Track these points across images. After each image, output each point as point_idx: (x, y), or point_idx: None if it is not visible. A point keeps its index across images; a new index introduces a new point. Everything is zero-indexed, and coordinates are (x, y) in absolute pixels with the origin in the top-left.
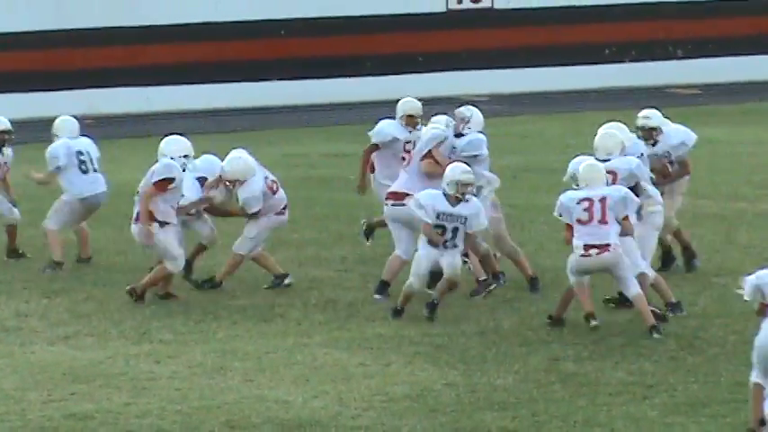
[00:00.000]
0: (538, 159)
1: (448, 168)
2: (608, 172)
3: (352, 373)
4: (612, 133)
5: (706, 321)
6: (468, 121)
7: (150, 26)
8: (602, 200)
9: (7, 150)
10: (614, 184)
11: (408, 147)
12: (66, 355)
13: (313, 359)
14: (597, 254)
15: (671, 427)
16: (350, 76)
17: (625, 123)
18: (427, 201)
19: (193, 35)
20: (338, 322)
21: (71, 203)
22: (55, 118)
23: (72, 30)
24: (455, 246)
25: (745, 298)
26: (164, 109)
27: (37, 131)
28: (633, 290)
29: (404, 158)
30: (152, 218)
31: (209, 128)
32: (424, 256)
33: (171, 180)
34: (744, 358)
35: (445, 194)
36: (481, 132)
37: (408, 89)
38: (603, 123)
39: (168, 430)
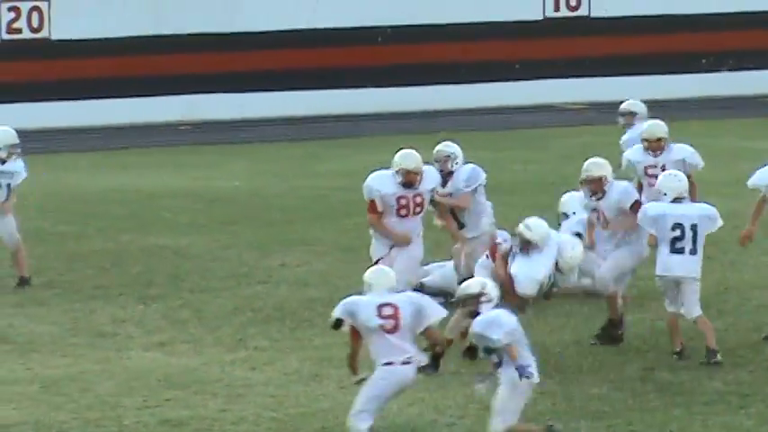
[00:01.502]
0: None
1: None
2: None
3: (448, 380)
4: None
5: None
6: (454, 157)
7: (246, 32)
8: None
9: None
10: None
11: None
12: (162, 361)
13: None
14: None
15: None
16: (446, 83)
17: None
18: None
19: (289, 42)
20: None
21: None
22: (152, 124)
23: (170, 35)
24: None
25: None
26: (257, 115)
27: (136, 137)
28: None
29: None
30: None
31: (304, 135)
32: None
33: None
34: None
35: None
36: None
37: (505, 97)
38: (701, 132)
39: None
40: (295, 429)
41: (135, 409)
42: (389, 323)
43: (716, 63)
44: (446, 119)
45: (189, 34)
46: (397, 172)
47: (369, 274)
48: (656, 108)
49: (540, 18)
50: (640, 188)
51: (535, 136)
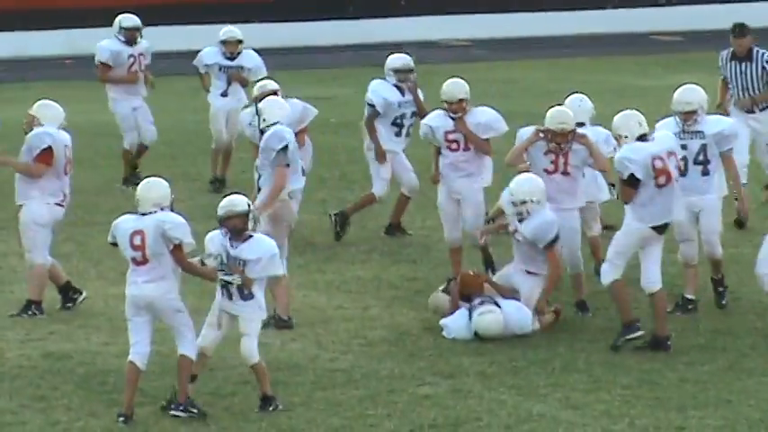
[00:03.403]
0: (519, 105)
1: None
2: None
3: (331, 316)
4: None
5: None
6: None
7: None
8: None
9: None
10: None
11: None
12: (45, 294)
13: (291, 301)
14: None
15: (648, 373)
16: (332, 18)
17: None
18: None
19: None
20: (317, 264)
21: None
22: (35, 58)
23: None
24: None
25: None
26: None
27: (17, 71)
28: None
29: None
30: None
31: (188, 69)
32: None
33: None
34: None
35: None
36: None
37: (391, 33)
38: (585, 69)
39: (146, 371)
40: (177, 363)
41: (18, 342)
42: (138, 255)
43: (602, 0)
44: (334, 55)
45: None
46: None
47: (139, 187)
48: (545, 45)
49: None
50: (439, 154)
51: (419, 72)
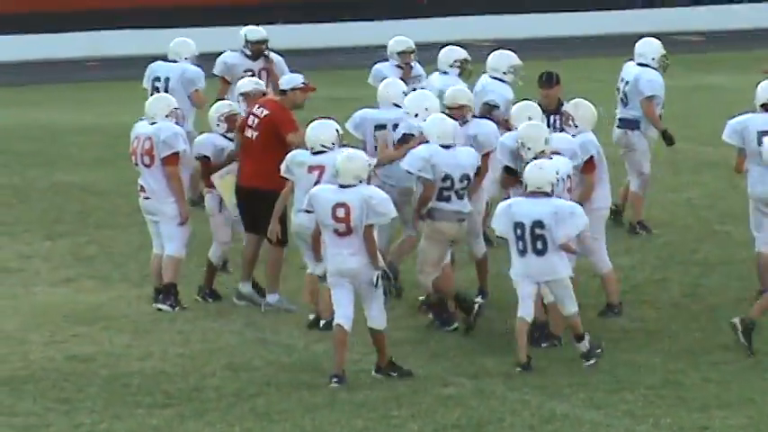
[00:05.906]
0: None
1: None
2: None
3: (355, 317)
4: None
5: (708, 269)
6: None
7: None
8: None
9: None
10: None
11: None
12: (69, 297)
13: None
14: None
15: (672, 373)
16: (353, 19)
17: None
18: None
19: None
20: None
21: None
22: (58, 60)
23: None
24: None
25: None
26: (162, 52)
27: (40, 73)
28: None
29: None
30: None
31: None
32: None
33: None
34: (746, 305)
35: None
36: None
37: (411, 34)
38: (605, 69)
39: (170, 373)
40: (201, 365)
41: (41, 344)
42: (342, 227)
43: (625, 0)
44: (352, 55)
45: None
46: None
47: (339, 159)
48: (565, 46)
49: None
50: None
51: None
